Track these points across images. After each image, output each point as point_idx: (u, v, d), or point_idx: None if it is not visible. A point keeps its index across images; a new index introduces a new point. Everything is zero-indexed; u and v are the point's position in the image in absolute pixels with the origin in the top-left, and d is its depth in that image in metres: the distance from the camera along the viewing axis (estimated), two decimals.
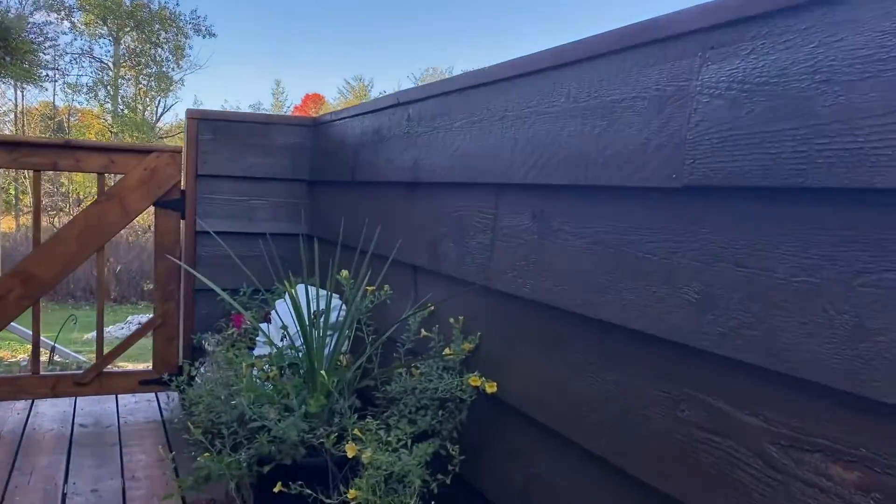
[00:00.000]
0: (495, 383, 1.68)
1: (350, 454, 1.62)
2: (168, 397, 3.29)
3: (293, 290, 2.07)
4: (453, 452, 1.72)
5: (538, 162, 1.55)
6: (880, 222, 0.89)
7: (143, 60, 23.65)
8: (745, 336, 1.05)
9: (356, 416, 1.87)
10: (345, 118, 2.79)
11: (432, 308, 2.00)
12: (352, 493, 1.55)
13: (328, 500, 1.67)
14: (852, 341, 0.91)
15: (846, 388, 0.91)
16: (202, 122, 3.14)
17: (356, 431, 1.68)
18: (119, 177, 3.08)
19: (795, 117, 0.99)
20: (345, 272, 2.12)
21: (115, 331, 10.03)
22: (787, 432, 1.00)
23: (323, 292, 2.19)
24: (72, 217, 4.14)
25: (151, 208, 3.15)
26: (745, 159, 1.06)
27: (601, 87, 1.37)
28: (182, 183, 3.14)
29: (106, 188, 3.08)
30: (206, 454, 1.80)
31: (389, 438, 1.73)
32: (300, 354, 1.99)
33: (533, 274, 1.57)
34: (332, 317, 2.10)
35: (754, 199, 1.06)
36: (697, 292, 1.15)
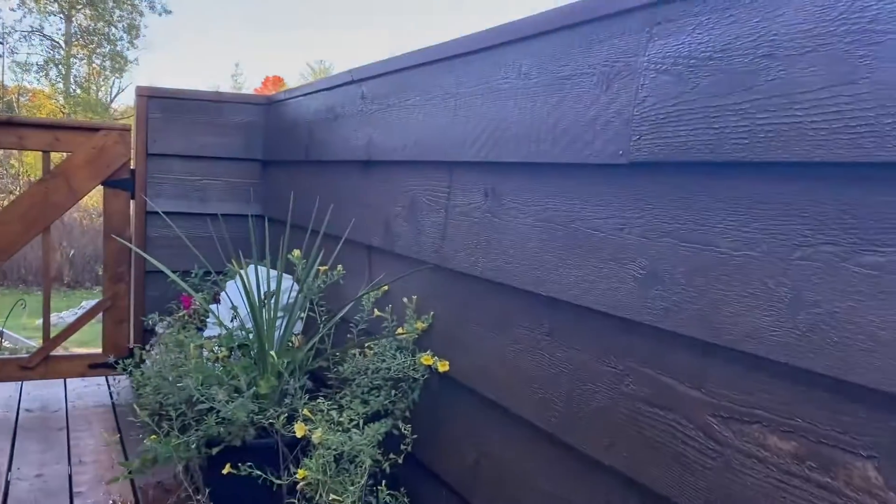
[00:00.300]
0: (447, 362, 1.68)
1: (299, 434, 1.60)
2: (119, 381, 3.23)
3: (244, 271, 2.04)
4: (406, 432, 1.72)
5: (490, 139, 1.54)
6: (818, 196, 0.90)
7: (95, 39, 22.99)
8: (688, 310, 1.06)
9: (307, 396, 1.86)
10: (299, 96, 2.75)
11: (386, 288, 1.99)
12: (301, 472, 1.54)
13: (278, 481, 1.65)
14: (790, 313, 0.92)
15: (783, 359, 0.92)
16: (152, 100, 3.06)
17: (306, 412, 1.67)
18: (66, 155, 2.99)
19: (739, 92, 0.99)
20: (296, 252, 2.09)
21: (69, 316, 9.79)
22: (728, 404, 1.01)
23: (275, 273, 2.16)
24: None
25: (100, 188, 3.07)
26: (689, 135, 1.06)
27: (552, 64, 1.37)
28: (132, 162, 3.06)
29: (52, 167, 2.99)
30: (153, 436, 1.77)
31: (341, 419, 1.72)
32: (250, 336, 1.97)
33: (485, 252, 1.56)
34: (285, 298, 2.07)
35: (698, 174, 1.06)
36: (643, 268, 1.15)
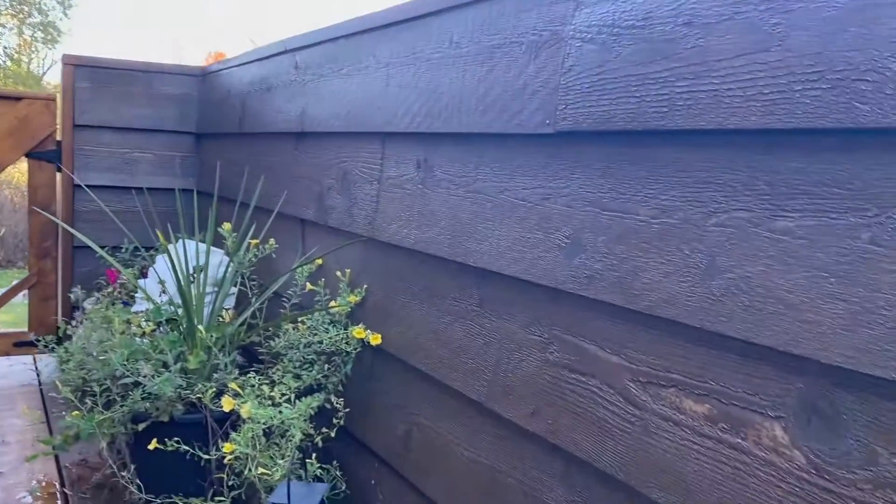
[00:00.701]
0: (379, 335, 1.67)
1: (227, 408, 1.57)
2: (45, 360, 3.12)
3: (175, 245, 1.99)
4: (338, 405, 1.71)
5: (422, 110, 1.53)
6: (732, 163, 0.91)
7: (26, 8, 21.99)
8: (609, 278, 1.08)
9: (238, 372, 1.83)
10: (233, 67, 2.68)
11: (320, 262, 1.96)
12: (227, 446, 1.51)
13: (206, 456, 1.62)
14: (704, 279, 0.94)
15: (698, 324, 0.94)
16: (80, 69, 2.94)
17: (234, 385, 1.64)
18: None
19: (659, 61, 1.00)
20: (227, 224, 2.04)
21: None
22: (646, 369, 1.03)
23: (207, 247, 2.11)
24: None
25: (25, 161, 2.95)
26: (612, 104, 1.07)
27: (482, 33, 1.36)
28: (58, 133, 2.94)
29: None
30: (76, 413, 1.72)
31: (273, 394, 1.69)
32: (179, 311, 1.92)
33: (417, 224, 1.55)
34: (217, 272, 2.02)
35: (620, 143, 1.07)
36: (567, 237, 1.16)
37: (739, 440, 0.90)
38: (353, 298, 1.76)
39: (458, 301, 1.44)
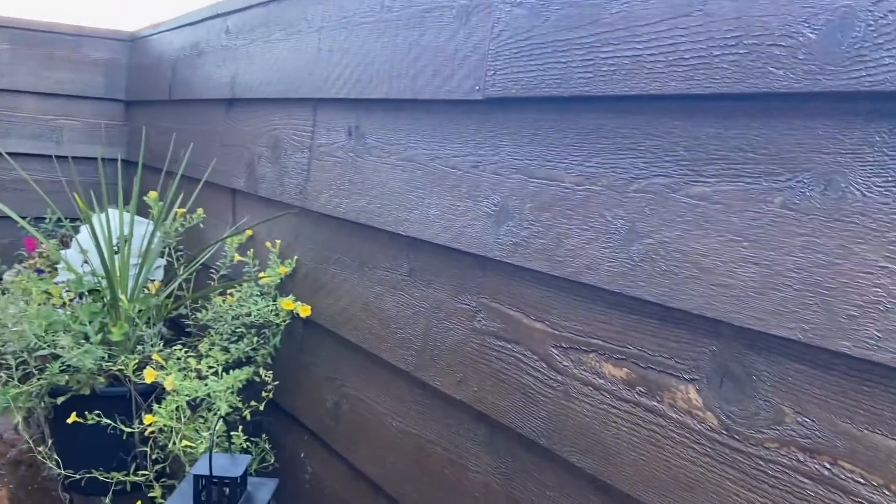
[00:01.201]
0: (309, 307, 1.64)
1: (149, 380, 1.53)
2: None
3: (100, 215, 1.92)
4: (267, 378, 1.68)
5: (353, 75, 1.50)
6: (653, 129, 0.92)
7: None
8: (535, 245, 1.08)
9: (163, 344, 1.78)
10: (163, 31, 2.58)
11: (250, 233, 1.92)
12: (148, 418, 1.47)
13: (127, 429, 1.58)
14: (624, 245, 0.94)
15: (618, 289, 0.95)
16: None
17: (157, 357, 1.59)
18: None
19: (586, 26, 0.99)
20: (153, 193, 1.98)
21: None
22: (569, 335, 1.03)
23: (136, 218, 2.04)
24: None
25: None
26: (540, 69, 1.06)
27: None
28: None
29: None
30: None
31: (199, 367, 1.65)
32: (102, 281, 1.85)
33: (348, 193, 1.53)
34: (144, 243, 1.96)
35: (547, 109, 1.07)
36: (496, 205, 1.15)
37: (655, 403, 0.91)
38: (283, 270, 1.73)
39: (388, 271, 1.42)
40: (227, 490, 1.28)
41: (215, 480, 1.27)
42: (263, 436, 1.74)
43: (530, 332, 1.10)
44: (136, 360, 1.64)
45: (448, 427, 1.26)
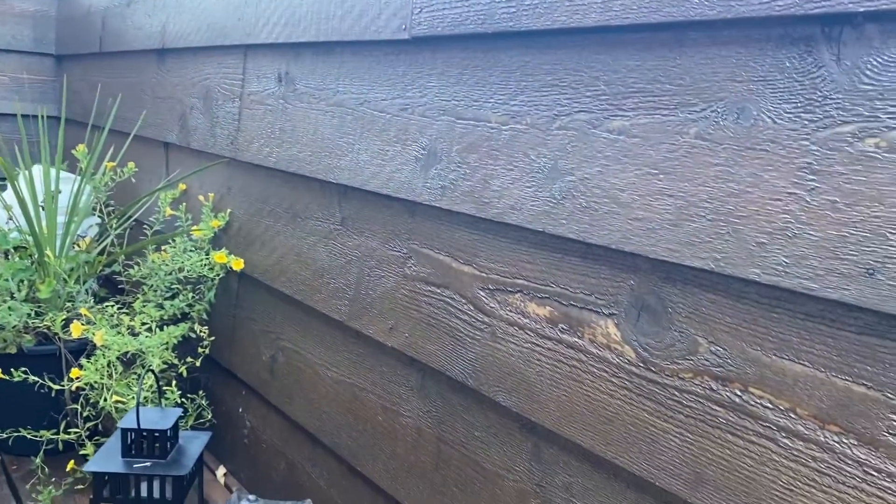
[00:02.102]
0: (242, 260, 1.61)
1: (75, 334, 1.49)
2: None
3: (24, 171, 1.84)
4: (203, 334, 1.65)
5: (282, 18, 1.45)
6: (575, 64, 0.90)
7: None
8: (462, 187, 1.06)
9: (95, 301, 1.73)
10: None
11: (184, 187, 1.87)
12: (75, 372, 1.44)
13: (56, 386, 1.53)
14: (547, 183, 0.93)
15: (541, 227, 0.94)
16: None
17: (85, 312, 1.55)
18: None
19: None
20: (81, 147, 1.90)
21: None
22: (496, 277, 1.03)
23: (64, 174, 1.96)
24: None
25: None
26: (464, 6, 1.04)
27: None
28: None
29: None
30: None
31: (133, 323, 1.61)
32: (29, 238, 1.78)
33: (279, 142, 1.49)
34: (76, 200, 1.89)
35: (473, 47, 1.05)
36: (423, 148, 1.13)
37: (577, 339, 0.91)
38: (216, 223, 1.69)
39: (321, 221, 1.40)
40: (156, 444, 1.26)
41: (144, 433, 1.25)
42: (201, 392, 1.72)
43: (459, 276, 1.09)
44: (64, 317, 1.59)
45: (381, 374, 1.26)
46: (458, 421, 1.10)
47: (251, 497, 1.10)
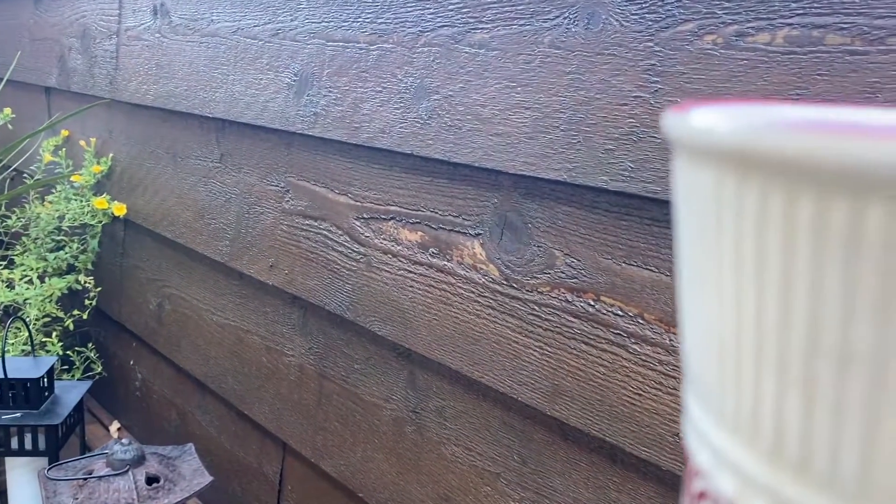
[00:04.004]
0: (124, 206, 1.54)
1: None
2: None
3: None
4: (89, 285, 1.57)
5: None
6: None
7: None
8: (334, 113, 1.02)
9: None
10: None
11: (66, 133, 1.77)
12: None
13: None
14: (414, 103, 0.91)
15: (410, 150, 0.92)
16: None
17: None
18: None
19: None
20: None
21: None
22: (370, 205, 1.00)
23: None
24: None
25: None
26: None
27: None
28: None
29: None
30: None
31: (12, 275, 1.53)
32: None
33: (156, 78, 1.41)
34: None
35: None
36: (296, 74, 1.09)
37: (446, 262, 0.90)
38: (98, 168, 1.60)
39: (200, 159, 1.34)
40: (26, 393, 1.19)
41: (12, 382, 1.18)
42: (90, 345, 1.65)
43: (335, 207, 1.05)
44: None
45: (265, 315, 1.22)
46: (338, 355, 1.08)
47: (124, 441, 1.06)
